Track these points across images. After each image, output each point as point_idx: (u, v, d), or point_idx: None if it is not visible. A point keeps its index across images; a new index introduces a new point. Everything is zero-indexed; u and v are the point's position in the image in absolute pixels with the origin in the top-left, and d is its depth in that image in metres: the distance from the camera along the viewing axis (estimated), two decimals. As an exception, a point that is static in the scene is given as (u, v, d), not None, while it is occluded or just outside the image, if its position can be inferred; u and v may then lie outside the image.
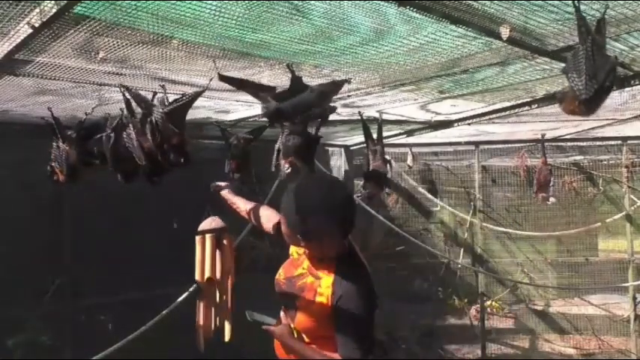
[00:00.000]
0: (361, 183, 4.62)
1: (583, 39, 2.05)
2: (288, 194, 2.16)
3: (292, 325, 2.19)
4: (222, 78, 2.61)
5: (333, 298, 2.05)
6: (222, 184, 2.97)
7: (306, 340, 2.17)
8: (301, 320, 2.15)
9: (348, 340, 2.03)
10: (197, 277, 3.06)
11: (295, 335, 2.19)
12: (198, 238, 3.08)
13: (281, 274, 2.33)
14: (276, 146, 3.54)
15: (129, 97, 2.92)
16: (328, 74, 3.03)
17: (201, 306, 3.05)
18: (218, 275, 3.03)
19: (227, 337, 3.07)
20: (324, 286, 2.09)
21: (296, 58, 2.73)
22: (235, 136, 3.81)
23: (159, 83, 2.96)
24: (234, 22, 2.17)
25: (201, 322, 3.06)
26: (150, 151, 2.91)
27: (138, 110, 2.97)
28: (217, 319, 3.09)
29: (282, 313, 2.27)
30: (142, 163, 2.99)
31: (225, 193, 2.91)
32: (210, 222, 3.14)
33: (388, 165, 4.44)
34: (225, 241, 3.09)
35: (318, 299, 2.09)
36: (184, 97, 2.87)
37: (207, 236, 3.04)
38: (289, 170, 3.25)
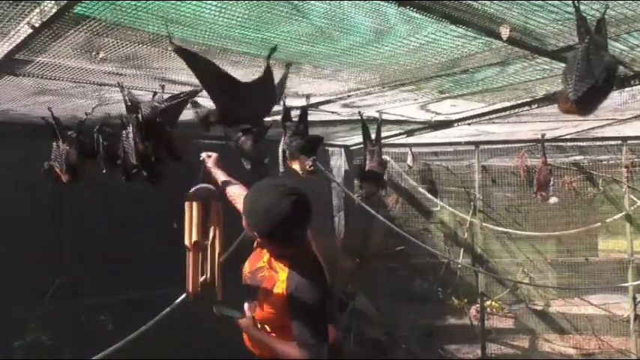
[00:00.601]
0: (356, 183, 4.64)
1: (582, 39, 2.05)
2: (247, 195, 2.31)
3: (254, 316, 2.33)
4: (178, 50, 2.29)
5: (287, 290, 2.19)
6: (213, 154, 2.96)
7: (268, 330, 2.30)
8: (261, 311, 2.29)
9: (302, 328, 2.17)
10: (186, 241, 3.16)
11: (259, 326, 2.32)
12: (187, 204, 3.22)
13: (246, 267, 2.46)
14: (281, 147, 3.60)
15: (125, 96, 2.93)
16: (328, 74, 3.03)
17: (190, 270, 3.17)
18: (207, 240, 3.16)
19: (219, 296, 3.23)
20: (280, 279, 2.23)
21: (296, 58, 2.73)
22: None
23: (159, 83, 2.96)
24: (234, 22, 2.17)
25: (190, 287, 3.19)
26: (143, 150, 2.92)
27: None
28: (206, 281, 3.23)
29: (246, 305, 2.38)
30: (134, 161, 3.00)
31: (212, 166, 2.92)
32: (201, 190, 3.29)
33: (385, 165, 4.44)
34: (214, 207, 3.20)
35: (276, 291, 2.22)
36: (180, 95, 2.88)
37: (195, 202, 3.16)
38: (311, 169, 3.57)
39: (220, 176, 2.87)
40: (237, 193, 2.72)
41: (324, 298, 2.22)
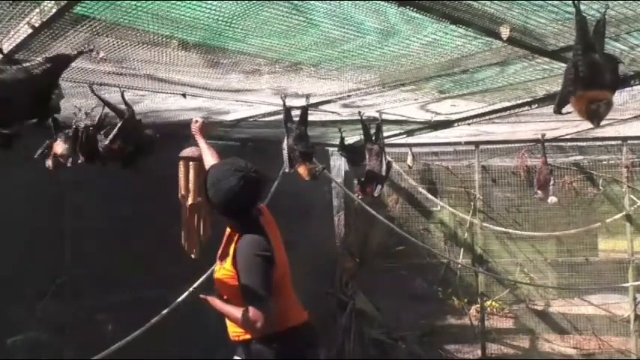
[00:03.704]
0: (355, 181, 4.66)
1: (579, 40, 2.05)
2: (207, 170, 2.62)
3: (218, 290, 2.52)
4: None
5: (235, 252, 2.41)
6: (200, 120, 3.18)
7: (232, 302, 2.44)
8: (221, 284, 2.48)
9: (246, 284, 2.34)
10: (180, 196, 3.67)
11: (223, 298, 2.49)
12: (182, 163, 3.50)
13: (222, 244, 2.62)
14: (285, 150, 3.66)
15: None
16: (327, 74, 3.03)
17: (186, 223, 3.51)
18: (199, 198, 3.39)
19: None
20: (232, 250, 2.44)
21: (296, 58, 2.73)
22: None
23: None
24: (233, 22, 2.17)
25: (185, 241, 3.71)
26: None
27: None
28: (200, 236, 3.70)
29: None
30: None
31: (195, 131, 3.14)
32: (194, 150, 3.54)
33: (386, 165, 4.44)
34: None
35: (228, 260, 2.44)
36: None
37: (191, 163, 3.38)
38: (317, 175, 3.85)
39: (201, 143, 3.09)
40: (208, 162, 2.91)
41: (267, 259, 2.37)
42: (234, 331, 2.53)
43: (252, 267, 2.37)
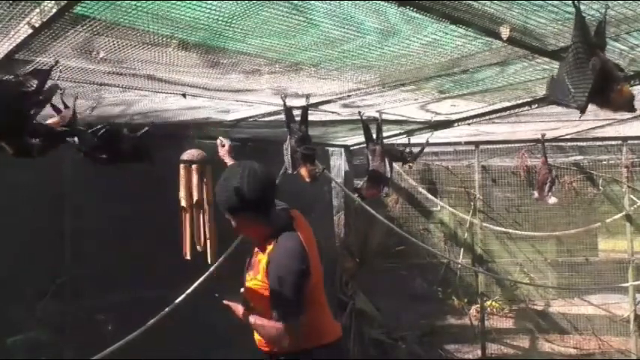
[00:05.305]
0: (360, 183, 4.66)
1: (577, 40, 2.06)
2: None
3: (248, 301, 2.37)
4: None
5: (266, 267, 2.27)
6: (226, 143, 3.05)
7: (259, 311, 2.32)
8: (250, 292, 2.34)
9: (277, 302, 2.21)
10: (183, 203, 3.65)
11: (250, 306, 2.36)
12: (182, 166, 3.50)
13: (251, 255, 2.51)
14: (288, 150, 3.68)
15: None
16: (327, 74, 3.03)
17: (187, 229, 3.39)
18: (201, 201, 3.43)
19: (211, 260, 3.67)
20: (265, 260, 2.30)
21: (296, 58, 2.73)
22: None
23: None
24: (233, 22, 2.17)
25: (187, 243, 3.61)
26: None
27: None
28: (202, 240, 3.66)
29: (242, 290, 2.41)
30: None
31: (224, 154, 3.05)
32: (194, 153, 3.55)
33: (388, 165, 4.45)
34: (206, 172, 3.46)
35: (262, 272, 2.29)
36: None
37: (193, 166, 3.39)
38: (317, 176, 3.85)
39: (228, 162, 2.96)
40: None
41: (302, 272, 2.24)
42: (260, 340, 2.42)
43: (285, 280, 2.21)
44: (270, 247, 2.31)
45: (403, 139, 5.39)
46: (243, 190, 2.27)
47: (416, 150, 5.08)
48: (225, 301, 2.37)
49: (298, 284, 2.22)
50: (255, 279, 2.32)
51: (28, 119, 2.37)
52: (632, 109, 2.17)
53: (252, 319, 2.30)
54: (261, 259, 2.34)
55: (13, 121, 2.32)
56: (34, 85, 2.36)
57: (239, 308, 2.34)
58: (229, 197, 2.30)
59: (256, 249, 2.45)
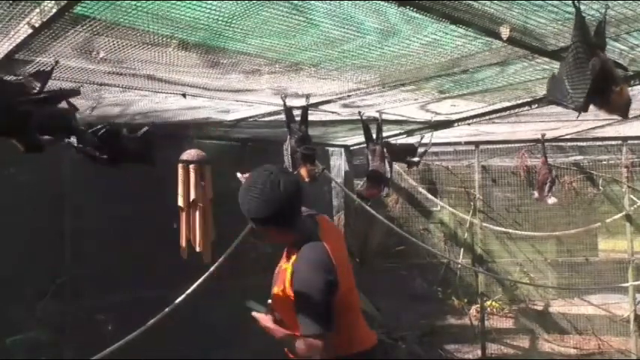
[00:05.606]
0: (361, 183, 4.66)
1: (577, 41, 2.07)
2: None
3: (275, 311, 2.28)
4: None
5: (291, 276, 2.16)
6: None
7: (285, 322, 2.24)
8: (276, 303, 2.26)
9: (303, 317, 2.09)
10: (180, 202, 3.63)
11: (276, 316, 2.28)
12: (181, 166, 3.50)
13: (279, 263, 2.41)
14: (288, 150, 3.68)
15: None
16: (327, 74, 3.03)
17: (183, 228, 3.40)
18: (199, 200, 3.44)
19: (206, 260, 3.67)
20: (289, 270, 2.19)
21: (296, 58, 2.73)
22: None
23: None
24: (233, 22, 2.17)
25: (184, 243, 3.63)
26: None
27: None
28: (198, 240, 3.67)
29: (269, 300, 2.34)
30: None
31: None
32: (193, 153, 3.56)
33: (388, 165, 4.45)
34: (205, 172, 3.46)
35: (286, 283, 2.18)
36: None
37: (191, 166, 3.39)
38: (317, 176, 3.85)
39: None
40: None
41: (328, 283, 2.11)
42: (287, 351, 2.31)
43: (311, 293, 2.09)
44: (294, 258, 2.21)
45: (402, 139, 5.40)
46: (266, 202, 2.13)
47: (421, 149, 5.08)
48: (253, 314, 2.29)
49: (324, 297, 2.09)
50: (281, 291, 2.22)
51: (35, 118, 2.39)
52: (626, 113, 2.16)
53: (281, 333, 2.23)
54: (286, 267, 2.24)
55: (20, 120, 2.36)
56: (37, 87, 2.39)
57: (268, 321, 2.26)
58: (251, 209, 2.16)
59: (283, 256, 2.36)
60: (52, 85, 2.92)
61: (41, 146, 2.47)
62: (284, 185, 2.15)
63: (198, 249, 3.83)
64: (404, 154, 4.93)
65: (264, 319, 2.27)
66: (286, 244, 2.33)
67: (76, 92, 2.63)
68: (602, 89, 2.06)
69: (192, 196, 3.71)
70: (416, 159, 4.99)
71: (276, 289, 2.26)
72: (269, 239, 2.39)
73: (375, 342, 2.39)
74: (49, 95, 2.48)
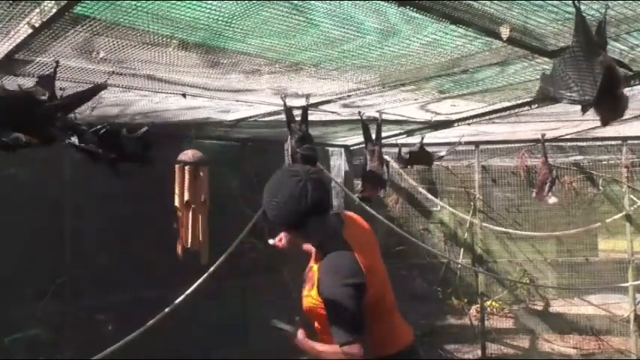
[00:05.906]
0: (360, 184, 4.66)
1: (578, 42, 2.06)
2: None
3: (308, 316, 2.25)
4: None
5: (318, 282, 2.13)
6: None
7: (318, 328, 2.22)
8: (308, 308, 2.22)
9: (334, 325, 2.07)
10: (176, 202, 3.58)
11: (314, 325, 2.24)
12: (177, 167, 3.49)
13: (309, 263, 2.38)
14: (289, 151, 3.67)
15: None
16: (327, 74, 3.03)
17: (179, 228, 3.44)
18: (195, 201, 3.45)
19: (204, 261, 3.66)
20: (317, 274, 2.16)
21: (296, 58, 2.73)
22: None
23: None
24: (233, 22, 2.17)
25: (179, 243, 3.61)
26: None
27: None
28: (195, 240, 3.65)
29: (297, 318, 2.33)
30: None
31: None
32: (189, 153, 3.55)
33: (385, 166, 4.44)
34: (201, 172, 3.45)
35: (314, 288, 2.15)
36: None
37: (186, 167, 3.42)
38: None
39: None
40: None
41: (355, 287, 2.06)
42: None
43: (338, 300, 2.05)
44: (320, 262, 2.18)
45: (403, 139, 5.40)
46: (300, 205, 2.08)
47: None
48: (296, 342, 2.23)
49: (352, 302, 2.04)
50: (310, 296, 2.18)
51: (54, 120, 2.46)
52: (622, 114, 2.16)
53: (315, 349, 2.19)
54: (315, 269, 2.20)
55: (39, 125, 2.44)
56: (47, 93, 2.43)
57: (305, 345, 2.21)
58: (275, 216, 2.13)
59: (312, 255, 2.33)
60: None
61: (54, 137, 2.50)
62: (311, 196, 2.08)
63: (192, 249, 3.83)
64: (427, 157, 4.98)
65: (306, 344, 2.22)
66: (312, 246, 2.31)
67: (102, 87, 2.63)
68: (608, 88, 2.05)
69: (186, 197, 3.69)
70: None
71: (306, 291, 2.23)
72: (295, 243, 2.39)
73: (410, 340, 2.37)
74: (72, 99, 2.53)
